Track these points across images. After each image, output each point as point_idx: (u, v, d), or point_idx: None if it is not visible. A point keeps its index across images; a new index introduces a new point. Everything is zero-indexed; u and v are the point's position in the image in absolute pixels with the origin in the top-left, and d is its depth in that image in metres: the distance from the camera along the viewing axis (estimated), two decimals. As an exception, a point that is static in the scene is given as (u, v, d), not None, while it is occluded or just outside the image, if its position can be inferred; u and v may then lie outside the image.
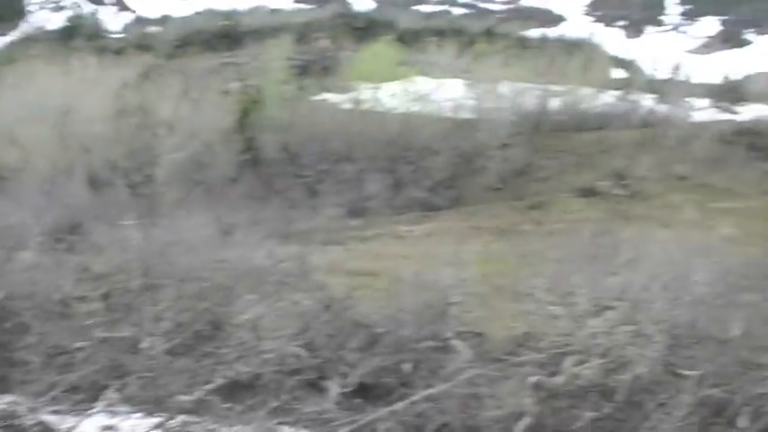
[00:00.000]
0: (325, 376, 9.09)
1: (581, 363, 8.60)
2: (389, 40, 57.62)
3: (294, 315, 9.52)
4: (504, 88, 51.52)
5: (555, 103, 54.59)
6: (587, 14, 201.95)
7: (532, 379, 8.65)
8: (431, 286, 10.78)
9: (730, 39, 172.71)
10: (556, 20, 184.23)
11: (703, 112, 59.99)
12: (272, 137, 45.64)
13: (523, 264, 10.39)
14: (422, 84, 51.48)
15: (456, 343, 10.13)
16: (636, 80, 64.04)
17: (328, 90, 53.20)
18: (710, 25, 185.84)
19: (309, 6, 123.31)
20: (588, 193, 39.88)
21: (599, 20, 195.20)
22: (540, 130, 51.69)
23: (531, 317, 9.00)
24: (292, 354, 9.00)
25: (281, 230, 30.54)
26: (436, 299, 10.57)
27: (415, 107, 49.50)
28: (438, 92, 50.91)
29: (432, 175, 43.14)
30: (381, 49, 54.23)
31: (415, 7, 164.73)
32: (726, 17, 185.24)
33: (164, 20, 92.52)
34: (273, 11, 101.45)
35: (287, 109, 47.72)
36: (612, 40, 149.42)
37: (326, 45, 68.52)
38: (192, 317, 10.13)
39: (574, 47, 75.00)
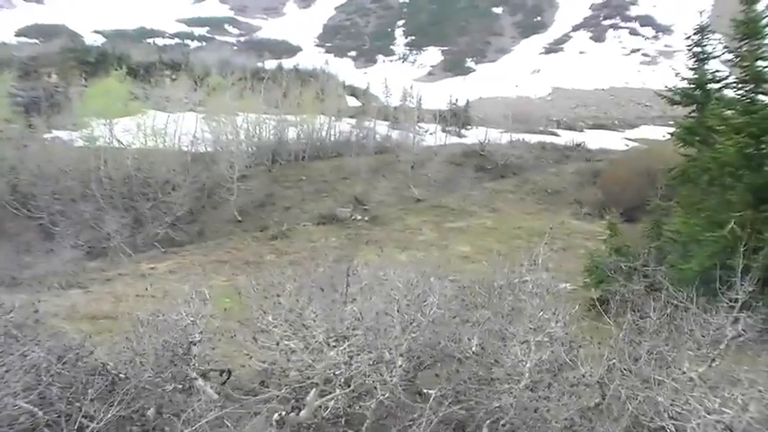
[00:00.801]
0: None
1: (324, 394, 8.67)
2: (121, 74, 55.96)
3: (24, 369, 8.95)
4: (241, 120, 51.58)
5: (292, 133, 55.34)
6: (319, 45, 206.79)
7: (277, 415, 8.63)
8: (173, 326, 10.51)
9: (453, 68, 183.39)
10: (293, 50, 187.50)
11: (434, 136, 62.89)
12: (0, 178, 43.25)
13: (265, 296, 10.29)
14: (157, 118, 50.47)
15: (200, 383, 9.94)
16: (369, 108, 65.99)
17: (59, 127, 51.00)
18: (434, 55, 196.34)
19: (34, 40, 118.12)
20: (329, 219, 40.65)
21: (332, 50, 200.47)
22: (279, 160, 52.23)
23: (272, 352, 8.94)
24: (23, 411, 8.47)
25: (12, 277, 28.96)
26: (179, 338, 10.33)
27: (151, 142, 48.53)
28: (174, 126, 50.17)
29: (172, 210, 42.39)
30: (113, 84, 52.55)
31: (149, 40, 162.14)
32: (447, 48, 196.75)
33: None
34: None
35: (15, 148, 45.35)
36: (346, 69, 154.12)
37: (55, 80, 65.77)
38: None
39: (309, 77, 76.50)
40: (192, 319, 10.52)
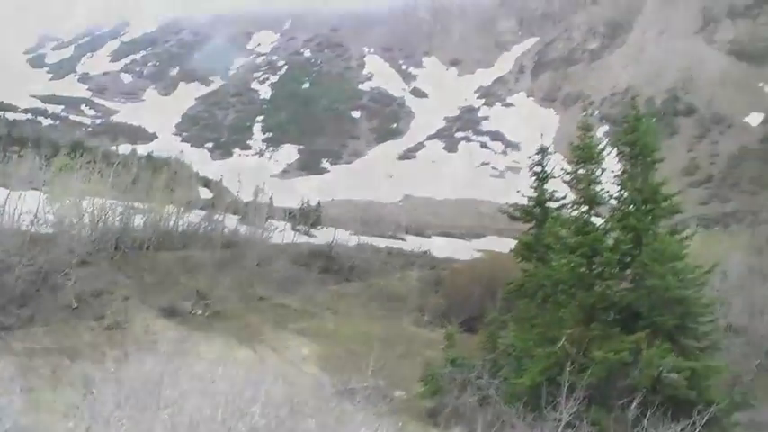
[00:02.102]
0: None
1: None
2: (-37, 147, 53.93)
3: None
4: (86, 204, 50.15)
5: (139, 221, 54.11)
6: (177, 134, 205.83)
7: None
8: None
9: (308, 167, 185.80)
10: (148, 137, 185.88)
11: (283, 234, 62.87)
12: None
13: (81, 396, 9.84)
14: (-2, 194, 48.56)
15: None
16: (221, 201, 65.56)
17: None
18: (291, 153, 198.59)
19: None
20: (170, 312, 39.71)
21: (189, 140, 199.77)
22: (123, 247, 50.84)
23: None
24: None
25: None
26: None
27: (-12, 219, 46.52)
28: (15, 204, 48.30)
29: (3, 292, 40.41)
30: (-47, 156, 50.52)
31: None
32: (303, 147, 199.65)
33: None
34: None
35: None
36: (202, 160, 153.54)
37: None
38: None
39: (162, 164, 75.47)
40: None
